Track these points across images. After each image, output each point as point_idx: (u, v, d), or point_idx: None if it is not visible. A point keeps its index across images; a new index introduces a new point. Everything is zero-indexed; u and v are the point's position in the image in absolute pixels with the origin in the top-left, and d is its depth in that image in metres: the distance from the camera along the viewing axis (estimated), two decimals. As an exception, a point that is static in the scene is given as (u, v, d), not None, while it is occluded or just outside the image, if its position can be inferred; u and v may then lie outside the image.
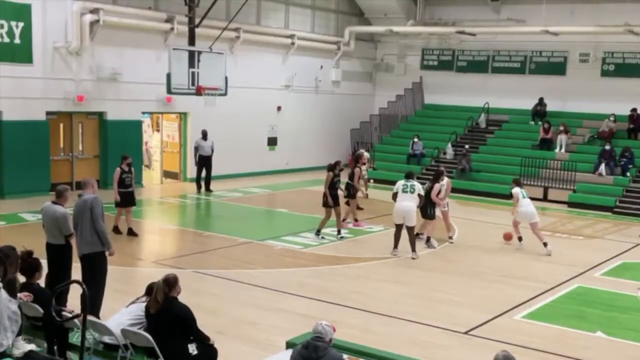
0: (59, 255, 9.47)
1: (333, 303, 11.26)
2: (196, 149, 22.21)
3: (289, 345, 7.24)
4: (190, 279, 11.87)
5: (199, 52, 18.82)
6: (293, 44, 26.84)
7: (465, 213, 20.15)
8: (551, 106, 26.29)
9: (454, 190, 19.16)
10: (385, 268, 13.87)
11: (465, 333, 10.14)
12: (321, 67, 28.66)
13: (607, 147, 23.19)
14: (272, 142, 27.04)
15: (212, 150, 22.12)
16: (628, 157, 22.85)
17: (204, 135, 22.06)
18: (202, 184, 22.16)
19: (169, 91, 18.91)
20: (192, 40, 19.36)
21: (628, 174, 22.60)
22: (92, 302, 9.19)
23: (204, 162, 22.10)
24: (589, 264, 14.63)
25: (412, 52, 30.44)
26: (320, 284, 12.44)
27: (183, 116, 23.99)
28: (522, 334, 10.22)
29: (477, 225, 18.87)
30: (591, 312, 11.57)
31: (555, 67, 26.96)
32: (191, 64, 18.59)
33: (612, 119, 24.53)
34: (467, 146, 25.73)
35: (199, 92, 18.92)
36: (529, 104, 26.61)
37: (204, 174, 22.03)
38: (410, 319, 10.67)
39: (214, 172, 22.30)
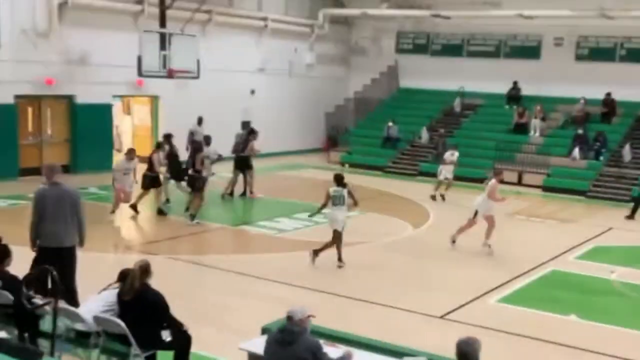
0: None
1: (309, 288, 11.28)
2: (191, 133, 22.02)
3: (265, 330, 7.18)
4: (163, 265, 11.72)
5: (170, 35, 18.61)
6: (266, 26, 26.74)
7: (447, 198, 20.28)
8: (526, 90, 26.46)
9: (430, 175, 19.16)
10: (361, 253, 13.82)
11: (441, 317, 10.23)
12: (295, 50, 28.56)
13: (580, 132, 23.36)
14: (245, 125, 26.79)
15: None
16: (601, 141, 23.05)
17: (199, 121, 21.93)
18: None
19: (140, 74, 18.73)
20: (163, 22, 19.15)
21: (601, 157, 22.80)
22: (70, 292, 8.99)
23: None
24: (562, 247, 14.77)
25: (387, 35, 30.42)
26: (296, 270, 12.43)
27: (154, 100, 23.76)
28: (497, 317, 10.38)
29: (453, 209, 18.86)
30: (565, 296, 11.74)
31: (529, 51, 27.15)
32: (162, 46, 18.40)
33: (582, 102, 24.68)
34: (442, 130, 25.80)
35: (170, 75, 18.73)
36: (503, 88, 26.75)
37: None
38: (387, 303, 10.73)
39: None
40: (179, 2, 20.69)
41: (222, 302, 10.38)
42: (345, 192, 12.39)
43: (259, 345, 6.58)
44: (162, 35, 18.79)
